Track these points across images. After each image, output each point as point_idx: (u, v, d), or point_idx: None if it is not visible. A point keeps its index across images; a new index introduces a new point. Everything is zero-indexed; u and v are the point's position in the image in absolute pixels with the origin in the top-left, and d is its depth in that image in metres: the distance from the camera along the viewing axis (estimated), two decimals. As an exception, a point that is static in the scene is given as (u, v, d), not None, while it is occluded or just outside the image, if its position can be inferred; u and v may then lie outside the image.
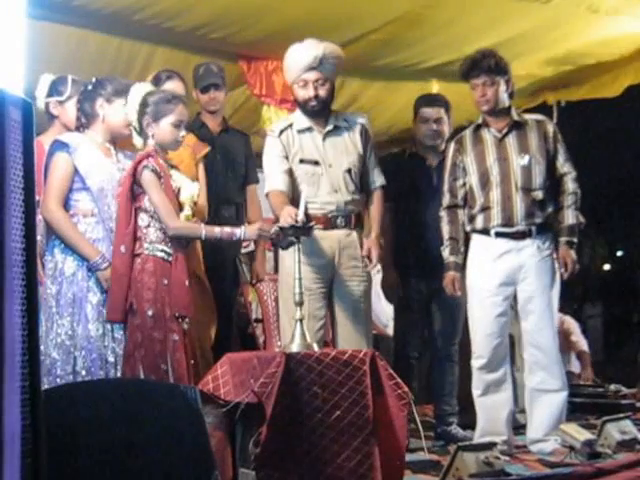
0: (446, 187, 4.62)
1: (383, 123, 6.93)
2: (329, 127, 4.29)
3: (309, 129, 4.28)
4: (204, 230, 3.76)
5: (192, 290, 3.96)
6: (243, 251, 5.06)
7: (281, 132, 4.27)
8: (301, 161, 4.25)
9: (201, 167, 4.55)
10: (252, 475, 3.06)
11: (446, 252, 4.55)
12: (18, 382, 1.72)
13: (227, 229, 3.76)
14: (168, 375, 3.52)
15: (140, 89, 3.81)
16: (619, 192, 15.37)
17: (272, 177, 4.22)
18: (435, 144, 5.08)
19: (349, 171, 4.27)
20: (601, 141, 13.65)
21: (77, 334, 3.73)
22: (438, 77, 6.50)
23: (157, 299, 3.60)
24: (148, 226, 3.70)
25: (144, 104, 3.76)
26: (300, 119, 4.31)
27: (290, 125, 4.29)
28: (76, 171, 3.88)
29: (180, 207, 3.81)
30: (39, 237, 3.96)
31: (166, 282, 3.63)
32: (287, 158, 4.24)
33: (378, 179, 4.39)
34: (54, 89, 4.31)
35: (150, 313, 3.58)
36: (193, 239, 3.91)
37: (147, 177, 3.67)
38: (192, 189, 3.87)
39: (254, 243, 4.83)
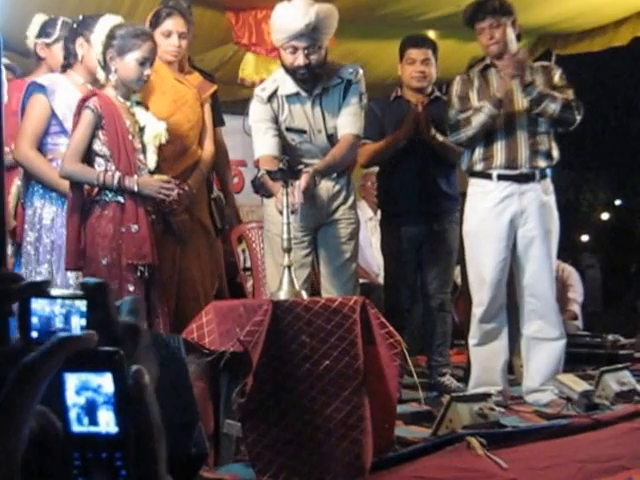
0: (452, 123, 4.43)
1: (379, 75, 6.76)
2: (317, 90, 4.03)
3: (297, 94, 4.04)
4: (100, 178, 3.46)
5: (197, 238, 3.94)
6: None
7: (269, 99, 4.04)
8: (288, 129, 4.08)
9: (207, 108, 4.36)
10: (238, 426, 2.99)
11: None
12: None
13: (127, 179, 3.46)
14: None
15: (109, 21, 3.62)
16: (619, 141, 15.31)
17: (262, 142, 4.04)
18: (422, 86, 4.92)
19: (332, 136, 4.09)
20: (601, 88, 13.55)
21: (56, 282, 3.66)
22: (436, 29, 6.40)
23: (113, 247, 3.45)
24: (106, 171, 3.51)
25: (111, 36, 3.57)
26: (286, 83, 4.04)
27: (276, 89, 4.05)
28: (53, 114, 3.81)
29: (143, 148, 3.64)
30: (18, 183, 3.99)
31: (124, 230, 3.46)
32: (276, 122, 4.06)
33: (349, 126, 4.05)
34: (43, 30, 4.24)
35: (104, 262, 3.44)
36: (86, 184, 3.56)
37: (82, 116, 3.51)
38: (156, 129, 3.68)
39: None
